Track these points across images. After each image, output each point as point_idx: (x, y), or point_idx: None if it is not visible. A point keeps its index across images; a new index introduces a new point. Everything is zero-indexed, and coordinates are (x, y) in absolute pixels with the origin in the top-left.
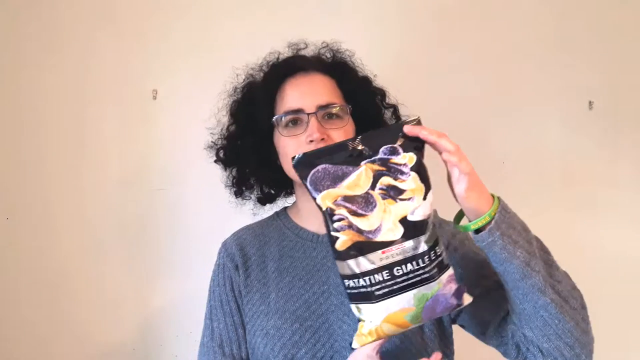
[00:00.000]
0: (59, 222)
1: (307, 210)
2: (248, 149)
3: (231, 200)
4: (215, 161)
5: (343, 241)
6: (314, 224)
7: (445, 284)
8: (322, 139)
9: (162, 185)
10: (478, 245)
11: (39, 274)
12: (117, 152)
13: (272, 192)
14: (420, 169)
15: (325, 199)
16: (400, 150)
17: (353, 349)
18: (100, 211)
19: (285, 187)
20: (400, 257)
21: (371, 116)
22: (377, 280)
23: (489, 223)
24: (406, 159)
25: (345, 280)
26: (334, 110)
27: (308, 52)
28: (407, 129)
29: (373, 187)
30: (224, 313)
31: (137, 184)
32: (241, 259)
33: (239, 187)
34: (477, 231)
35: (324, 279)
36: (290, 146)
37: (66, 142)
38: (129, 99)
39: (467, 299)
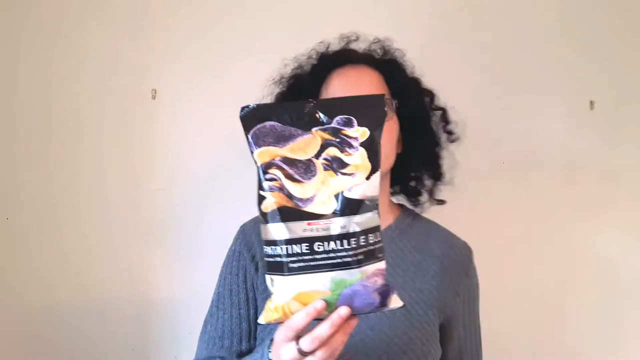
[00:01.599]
0: (59, 222)
1: None
2: None
3: (232, 200)
4: None
5: (269, 203)
6: None
7: (369, 275)
8: None
9: (162, 185)
10: None
11: (39, 274)
12: (117, 152)
13: None
14: (371, 146)
15: (263, 155)
16: (356, 122)
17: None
18: (100, 211)
19: None
20: (325, 233)
21: (417, 117)
22: (294, 252)
23: None
24: (359, 132)
25: (265, 247)
26: None
27: (359, 45)
28: None
29: (318, 155)
30: (231, 304)
31: (137, 184)
32: (259, 248)
33: None
34: None
35: None
36: None
37: (66, 142)
38: (128, 99)
39: (396, 302)
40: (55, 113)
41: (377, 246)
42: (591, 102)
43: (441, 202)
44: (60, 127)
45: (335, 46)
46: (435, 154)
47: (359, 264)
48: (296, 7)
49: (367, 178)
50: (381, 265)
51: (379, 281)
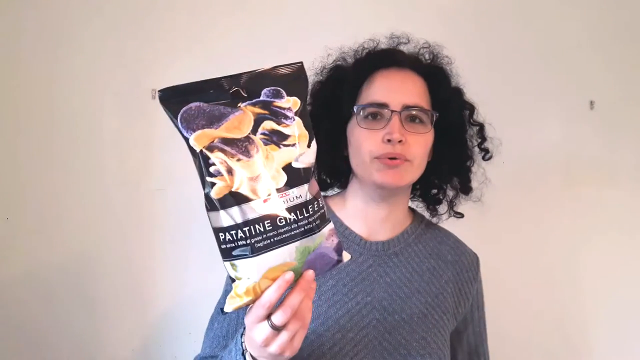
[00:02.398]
0: (59, 222)
1: (356, 209)
2: (321, 132)
3: None
4: None
5: (220, 187)
6: (361, 226)
7: (327, 236)
8: (400, 141)
9: (162, 185)
10: None
11: (38, 274)
12: (116, 152)
13: (328, 181)
14: (303, 115)
15: (201, 139)
16: (284, 93)
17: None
18: (100, 211)
19: (341, 178)
20: (283, 206)
21: (454, 129)
22: (257, 231)
23: None
24: (290, 102)
25: (221, 234)
26: (419, 114)
27: (408, 47)
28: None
29: (254, 131)
30: None
31: (137, 184)
32: None
33: None
34: None
35: (369, 290)
36: (366, 140)
37: (66, 141)
38: (128, 99)
39: (346, 256)
40: (55, 113)
41: (324, 208)
42: (591, 102)
43: (460, 215)
44: (60, 127)
45: (384, 45)
46: (465, 167)
47: (318, 228)
48: (296, 8)
49: (308, 146)
50: (331, 225)
51: (335, 239)
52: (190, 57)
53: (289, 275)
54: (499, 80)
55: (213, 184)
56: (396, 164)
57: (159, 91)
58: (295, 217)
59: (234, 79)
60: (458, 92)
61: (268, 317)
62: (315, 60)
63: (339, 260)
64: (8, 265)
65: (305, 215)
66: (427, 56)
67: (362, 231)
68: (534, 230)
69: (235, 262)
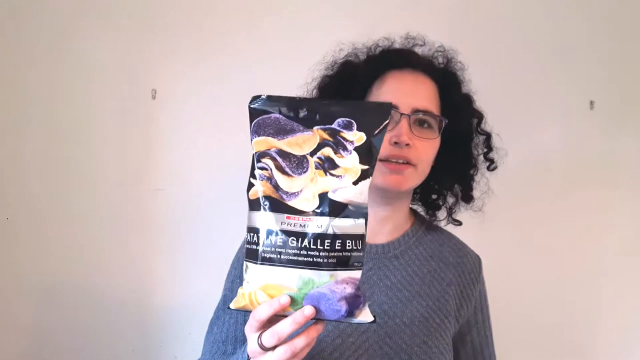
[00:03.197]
0: (59, 222)
1: None
2: None
3: (232, 200)
4: None
5: (255, 190)
6: None
7: (339, 281)
8: (407, 145)
9: (162, 185)
10: None
11: (38, 274)
12: (117, 152)
13: None
14: (365, 152)
15: (259, 144)
16: (355, 126)
17: None
18: (100, 211)
19: None
20: (300, 229)
21: (461, 137)
22: (268, 242)
23: None
24: (356, 136)
25: (248, 233)
26: (428, 119)
27: (423, 50)
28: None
29: (313, 153)
30: None
31: (137, 184)
32: None
33: None
34: None
35: (369, 293)
36: None
37: (66, 142)
38: (128, 99)
39: (365, 315)
40: (55, 113)
41: (354, 254)
42: (591, 102)
43: (458, 222)
44: (60, 127)
45: (399, 45)
46: (468, 175)
47: (329, 267)
48: (296, 8)
49: (355, 183)
50: (355, 274)
51: (348, 289)
52: (191, 57)
53: (284, 299)
54: (498, 81)
55: (252, 185)
56: (400, 169)
57: (252, 97)
58: (307, 244)
59: (324, 103)
60: (468, 99)
61: (262, 332)
62: (326, 54)
63: (350, 314)
64: (8, 265)
65: (319, 247)
66: (440, 60)
67: None
68: (534, 230)
69: (248, 263)
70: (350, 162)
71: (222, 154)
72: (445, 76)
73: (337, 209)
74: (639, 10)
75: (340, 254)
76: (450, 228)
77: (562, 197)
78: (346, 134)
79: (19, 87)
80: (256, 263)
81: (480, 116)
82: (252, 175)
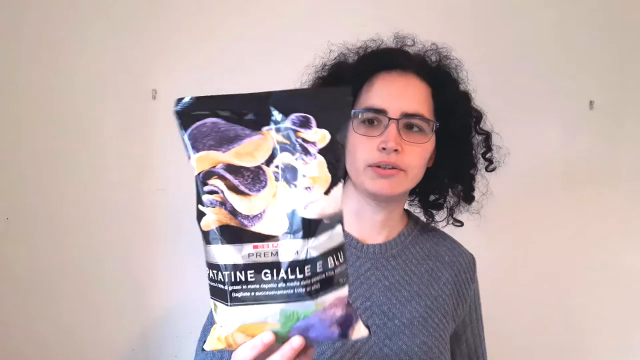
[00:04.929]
0: (59, 222)
1: (351, 212)
2: None
3: None
4: None
5: (209, 220)
6: (358, 229)
7: (327, 307)
8: (396, 150)
9: (162, 185)
10: None
11: (38, 274)
12: (117, 152)
13: None
14: (332, 153)
15: (202, 161)
16: (314, 123)
17: None
18: (100, 211)
19: None
20: (273, 259)
21: (457, 136)
22: (237, 279)
23: None
24: (318, 135)
25: (208, 269)
26: (418, 123)
27: (414, 50)
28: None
29: (269, 162)
30: None
31: (137, 184)
32: None
33: None
34: None
35: (367, 294)
36: (361, 146)
37: (66, 142)
38: (128, 99)
39: (359, 331)
40: (55, 113)
41: (338, 270)
42: (591, 102)
43: (459, 223)
44: (60, 127)
45: (389, 45)
46: (468, 175)
47: (312, 295)
48: (296, 9)
49: (326, 192)
50: (342, 292)
51: (338, 312)
52: (191, 57)
53: (268, 337)
54: (498, 81)
55: (202, 215)
56: (389, 174)
57: (177, 100)
58: (285, 275)
59: (268, 96)
60: (464, 98)
61: None
62: (316, 56)
63: (344, 335)
64: (8, 265)
65: (299, 276)
66: (433, 59)
67: (358, 234)
68: (534, 230)
69: (217, 303)
70: (316, 170)
71: None
72: (438, 75)
73: (311, 228)
74: (639, 11)
75: (323, 275)
76: (450, 229)
77: (562, 197)
78: (304, 133)
79: (19, 87)
80: (227, 304)
81: (478, 115)
82: (199, 201)
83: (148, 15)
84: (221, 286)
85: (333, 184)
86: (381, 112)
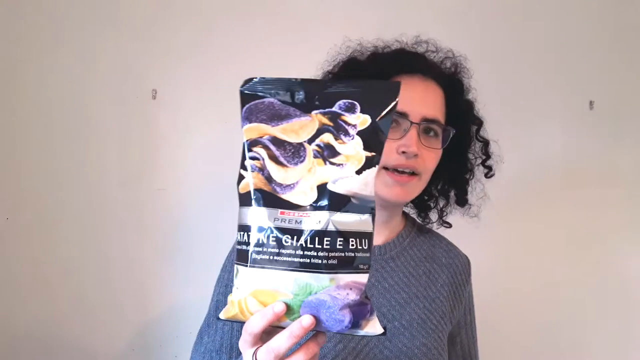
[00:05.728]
0: (59, 222)
1: None
2: None
3: (231, 200)
4: None
5: (246, 183)
6: None
7: (341, 285)
8: (415, 155)
9: (162, 185)
10: None
11: (39, 274)
12: (117, 152)
13: None
14: (371, 137)
15: (251, 131)
16: (359, 108)
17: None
18: (100, 211)
19: None
20: (296, 226)
21: (458, 142)
22: (260, 242)
23: None
24: (359, 119)
25: (238, 232)
26: (436, 128)
27: (434, 57)
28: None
29: (311, 140)
30: None
31: (137, 184)
32: None
33: None
34: None
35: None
36: None
37: (66, 142)
38: (129, 99)
39: (374, 327)
40: (55, 113)
41: (359, 255)
42: (591, 102)
43: (448, 225)
44: (60, 127)
45: (410, 47)
46: (463, 180)
47: (329, 269)
48: (296, 9)
49: (358, 172)
50: (361, 278)
51: (352, 295)
52: (191, 57)
53: (279, 307)
54: (498, 81)
55: (242, 178)
56: (405, 181)
57: (245, 80)
58: (303, 243)
59: (325, 83)
60: (470, 105)
61: (258, 347)
62: (330, 50)
63: (356, 325)
64: (8, 265)
65: (317, 246)
66: (448, 65)
67: None
68: (534, 230)
69: (239, 267)
70: (352, 149)
71: (222, 154)
72: (452, 83)
73: (338, 202)
74: (639, 11)
75: (343, 254)
76: (450, 230)
77: (561, 197)
78: (348, 117)
79: (19, 87)
80: (246, 266)
81: (479, 123)
82: (243, 166)
83: (148, 16)
84: (245, 247)
85: (366, 165)
86: (403, 115)
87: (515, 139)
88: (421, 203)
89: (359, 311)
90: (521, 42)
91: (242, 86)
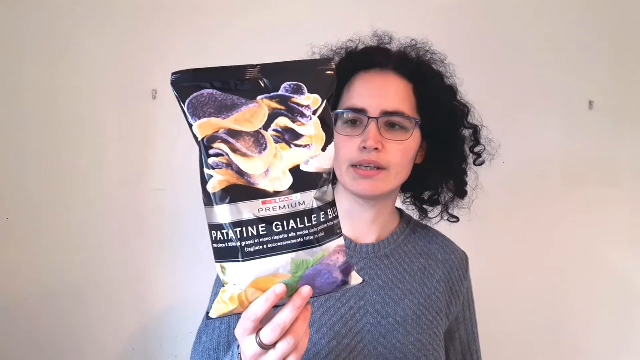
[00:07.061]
0: (59, 222)
1: (342, 212)
2: None
3: None
4: None
5: (217, 181)
6: (350, 229)
7: (331, 253)
8: (376, 149)
9: (162, 185)
10: None
11: (38, 274)
12: (117, 152)
13: None
14: (325, 116)
15: (205, 127)
16: (305, 89)
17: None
18: (100, 211)
19: None
20: (283, 212)
21: (444, 131)
22: (249, 234)
23: None
24: (310, 100)
25: (213, 232)
26: (399, 121)
27: (393, 45)
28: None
29: (267, 127)
30: None
31: (137, 184)
32: None
33: None
34: None
35: (361, 294)
36: (343, 147)
37: (66, 142)
38: (129, 99)
39: (356, 279)
40: (55, 113)
41: (335, 222)
42: (591, 102)
43: (455, 219)
44: (60, 127)
45: (367, 44)
46: (458, 170)
47: (320, 242)
48: (295, 10)
49: (323, 149)
50: (341, 241)
51: (341, 258)
52: (191, 57)
53: (280, 288)
54: (498, 81)
55: (210, 177)
56: (370, 175)
57: (173, 73)
58: (294, 225)
59: (257, 67)
60: (449, 92)
61: (258, 331)
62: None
63: (345, 282)
64: (8, 265)
65: (307, 224)
66: (413, 54)
67: (350, 234)
68: (533, 230)
69: (225, 264)
70: (313, 129)
71: None
72: (419, 71)
73: (314, 180)
74: (639, 11)
75: (326, 225)
76: (452, 226)
77: (561, 197)
78: (298, 98)
79: (19, 86)
80: (238, 261)
81: (465, 108)
82: (205, 165)
83: (148, 16)
84: (231, 244)
85: (328, 142)
86: (361, 111)
87: (515, 139)
88: (422, 199)
89: (346, 270)
90: (521, 42)
91: (172, 78)
